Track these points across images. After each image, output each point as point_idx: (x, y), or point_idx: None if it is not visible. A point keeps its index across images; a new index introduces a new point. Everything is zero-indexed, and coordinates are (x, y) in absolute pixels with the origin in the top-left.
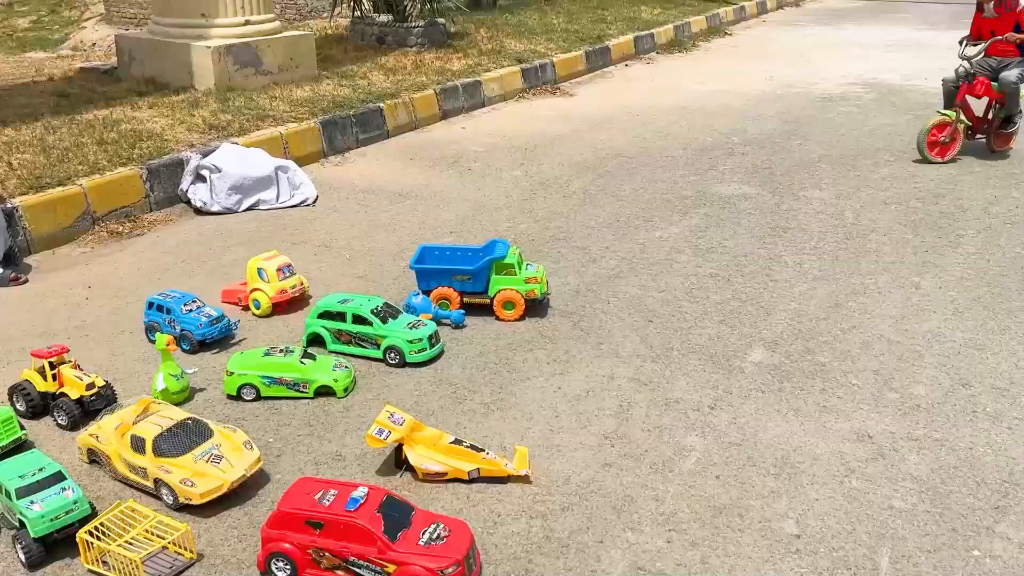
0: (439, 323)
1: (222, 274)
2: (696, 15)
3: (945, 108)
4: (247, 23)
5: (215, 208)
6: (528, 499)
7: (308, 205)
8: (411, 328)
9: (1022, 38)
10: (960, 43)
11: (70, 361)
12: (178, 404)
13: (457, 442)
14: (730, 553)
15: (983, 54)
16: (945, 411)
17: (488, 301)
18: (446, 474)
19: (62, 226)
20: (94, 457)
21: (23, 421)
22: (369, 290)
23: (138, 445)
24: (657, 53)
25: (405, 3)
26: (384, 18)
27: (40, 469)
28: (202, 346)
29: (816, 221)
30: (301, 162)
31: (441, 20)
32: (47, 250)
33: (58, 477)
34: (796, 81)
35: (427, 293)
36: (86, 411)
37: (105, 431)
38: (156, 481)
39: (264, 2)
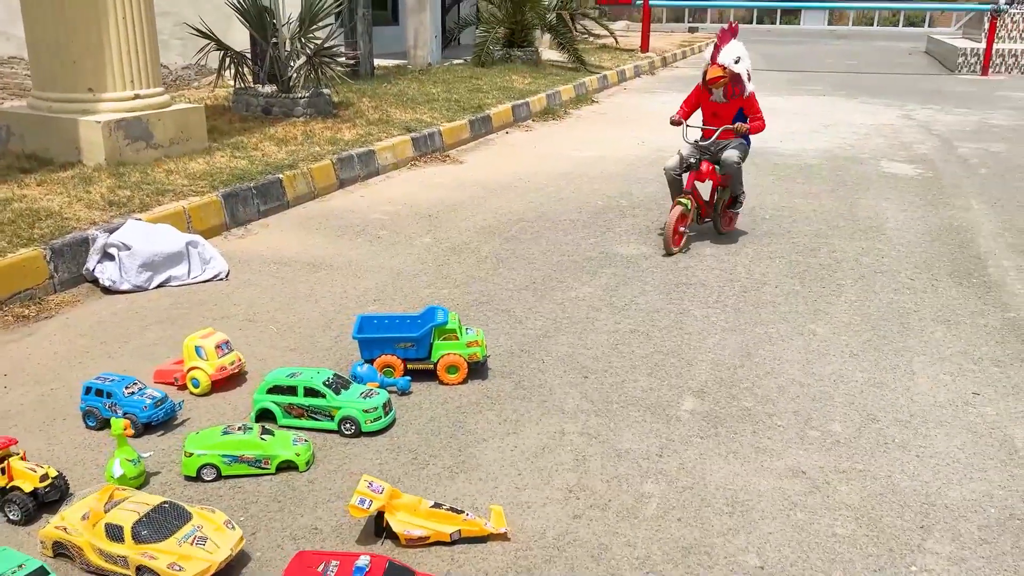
0: (386, 389)
1: (146, 354)
2: (564, 84)
3: (673, 196)
4: (136, 97)
5: (124, 287)
6: (510, 555)
7: (221, 279)
8: (364, 398)
9: (748, 128)
10: (673, 123)
11: (18, 453)
12: (137, 489)
13: (437, 506)
14: None
15: (702, 137)
16: (861, 444)
17: (432, 366)
18: (428, 538)
19: None
20: (60, 550)
21: None
22: (303, 363)
23: (115, 533)
24: (532, 120)
25: (290, 74)
26: (268, 88)
27: (20, 566)
28: (147, 429)
29: (713, 276)
30: (204, 236)
31: (326, 90)
32: None
33: (42, 572)
34: (665, 145)
35: (370, 362)
36: (40, 503)
37: (72, 521)
38: (139, 569)
39: (152, 76)
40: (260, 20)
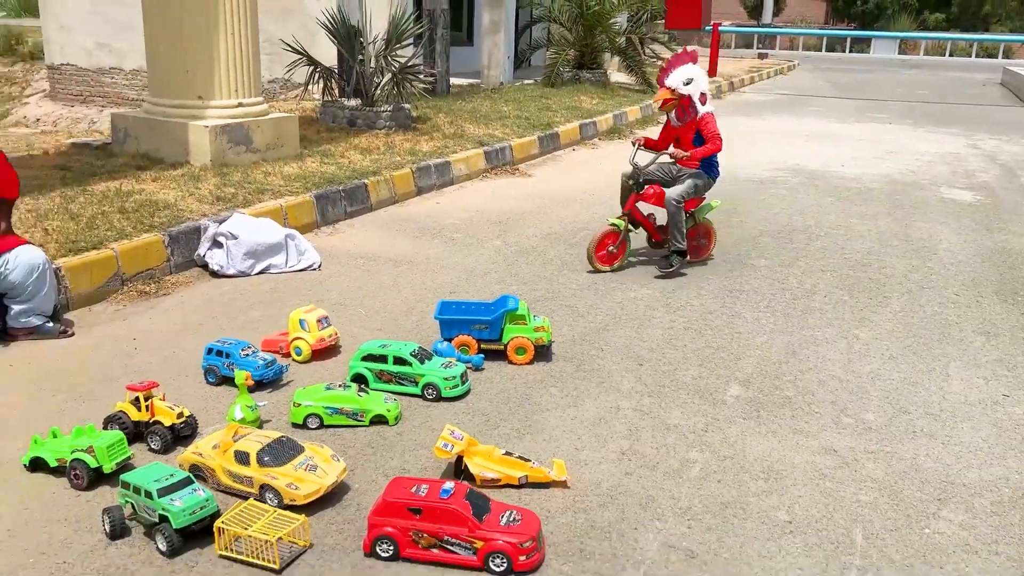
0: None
1: (252, 328)
2: (631, 104)
3: (622, 203)
4: (240, 105)
5: (230, 271)
6: (569, 499)
7: (314, 269)
8: (445, 367)
9: (685, 156)
10: (633, 145)
11: (159, 394)
12: None
13: (508, 454)
14: (739, 534)
15: (674, 161)
16: (891, 431)
17: (502, 347)
18: (500, 480)
19: (96, 286)
20: (196, 472)
21: None
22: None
23: (242, 458)
24: (599, 139)
25: (374, 90)
26: (353, 102)
27: (171, 475)
28: (258, 386)
29: (765, 284)
30: (298, 231)
31: (407, 105)
32: (84, 307)
33: (187, 481)
34: (729, 166)
35: (449, 340)
36: (177, 437)
37: (206, 449)
38: (262, 487)
39: (254, 87)
40: (349, 39)
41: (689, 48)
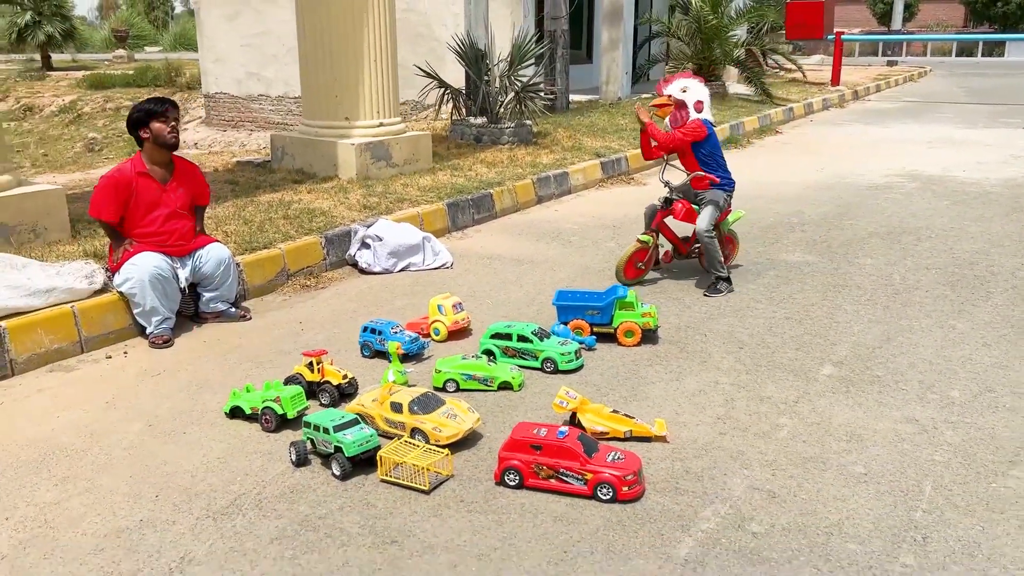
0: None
1: (397, 314)
2: (748, 115)
3: (646, 226)
4: (381, 125)
5: (376, 269)
6: (668, 450)
7: (447, 268)
8: (562, 344)
9: (699, 175)
10: (663, 164)
11: (329, 360)
12: None
13: (615, 411)
14: (817, 481)
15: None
16: (974, 406)
17: (612, 331)
18: (608, 433)
19: (267, 279)
20: (360, 420)
21: None
22: None
23: (396, 407)
24: None
25: (498, 108)
26: (479, 120)
27: (342, 416)
28: (403, 359)
29: (868, 281)
30: (434, 235)
31: (528, 121)
32: (257, 297)
33: (356, 421)
34: (845, 173)
35: (564, 324)
36: (342, 394)
37: (367, 402)
38: (412, 430)
39: (393, 108)
40: (476, 61)
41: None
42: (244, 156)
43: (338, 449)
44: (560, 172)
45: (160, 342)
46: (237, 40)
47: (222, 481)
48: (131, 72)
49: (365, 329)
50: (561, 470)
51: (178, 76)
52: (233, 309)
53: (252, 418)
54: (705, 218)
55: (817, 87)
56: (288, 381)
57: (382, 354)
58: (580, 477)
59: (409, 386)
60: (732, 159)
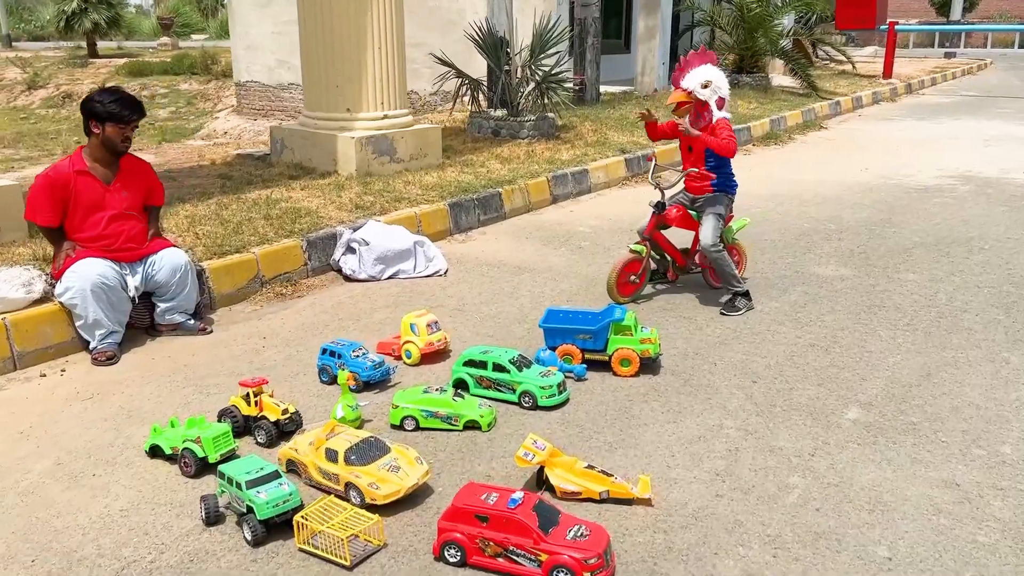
0: (565, 375)
1: (373, 330)
2: (791, 109)
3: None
4: (385, 117)
5: (362, 276)
6: (651, 518)
7: (440, 275)
8: (543, 376)
9: (695, 133)
10: (651, 164)
11: (269, 391)
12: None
13: (590, 467)
14: (828, 568)
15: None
16: None
17: (607, 358)
18: (580, 494)
19: (237, 287)
20: (291, 467)
21: None
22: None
23: (331, 456)
24: (753, 145)
25: (519, 100)
26: (499, 112)
27: (261, 468)
28: (366, 386)
29: (910, 301)
30: (431, 238)
31: (551, 114)
32: (225, 307)
33: (275, 475)
34: (891, 173)
35: (553, 349)
36: (280, 432)
37: (302, 446)
38: (347, 485)
39: (400, 99)
40: (495, 49)
41: (702, 47)
42: (246, 148)
43: (250, 509)
44: (579, 169)
45: (103, 358)
46: (269, 27)
47: (114, 543)
48: (168, 60)
49: (324, 351)
50: (511, 547)
51: (214, 64)
52: (191, 321)
53: (173, 459)
54: (709, 231)
55: (868, 80)
56: (221, 414)
57: None
58: (533, 558)
59: (362, 425)
60: (768, 156)
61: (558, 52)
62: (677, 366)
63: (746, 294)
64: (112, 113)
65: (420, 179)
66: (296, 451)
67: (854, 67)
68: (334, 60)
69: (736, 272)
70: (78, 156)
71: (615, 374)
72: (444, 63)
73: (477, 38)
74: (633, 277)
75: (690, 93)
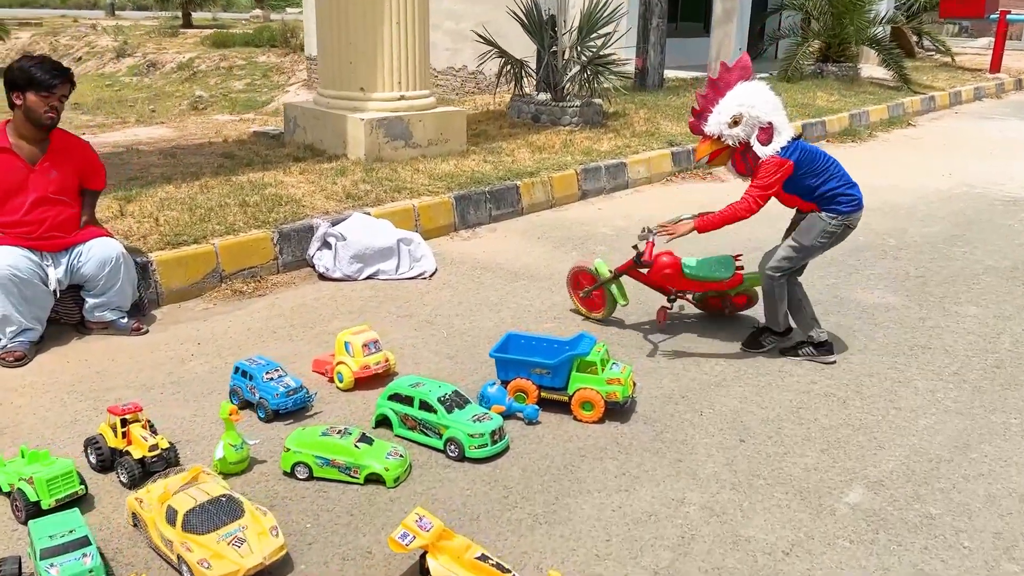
0: (512, 416)
1: (322, 341)
2: (876, 104)
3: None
4: (402, 98)
5: (336, 275)
6: None
7: (424, 278)
8: (475, 421)
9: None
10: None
11: (141, 420)
12: (236, 474)
13: (483, 558)
14: None
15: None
16: None
17: (566, 399)
18: None
19: (192, 281)
20: (136, 521)
21: (94, 474)
22: (455, 372)
23: (171, 517)
24: (827, 142)
25: (564, 83)
26: (543, 96)
27: (71, 531)
28: (277, 416)
29: (964, 343)
30: (431, 235)
31: (598, 100)
32: (174, 303)
33: (83, 542)
34: (979, 180)
35: (505, 384)
36: (146, 472)
37: (150, 497)
38: (178, 557)
39: (421, 78)
40: (540, 28)
41: (731, 63)
42: (263, 126)
43: None
44: (615, 163)
45: (10, 359)
46: None
47: None
48: (250, 32)
49: (236, 370)
50: None
51: (292, 37)
52: (124, 320)
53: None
54: (778, 255)
55: (971, 74)
56: (87, 444)
57: (253, 405)
58: None
59: (250, 467)
60: (841, 155)
61: (608, 33)
62: (654, 412)
63: (785, 333)
64: (33, 79)
65: (434, 167)
66: (141, 503)
67: (953, 60)
68: (348, 34)
69: (782, 312)
70: (1, 130)
71: (575, 418)
72: (485, 41)
73: (521, 15)
74: (587, 290)
75: (718, 138)
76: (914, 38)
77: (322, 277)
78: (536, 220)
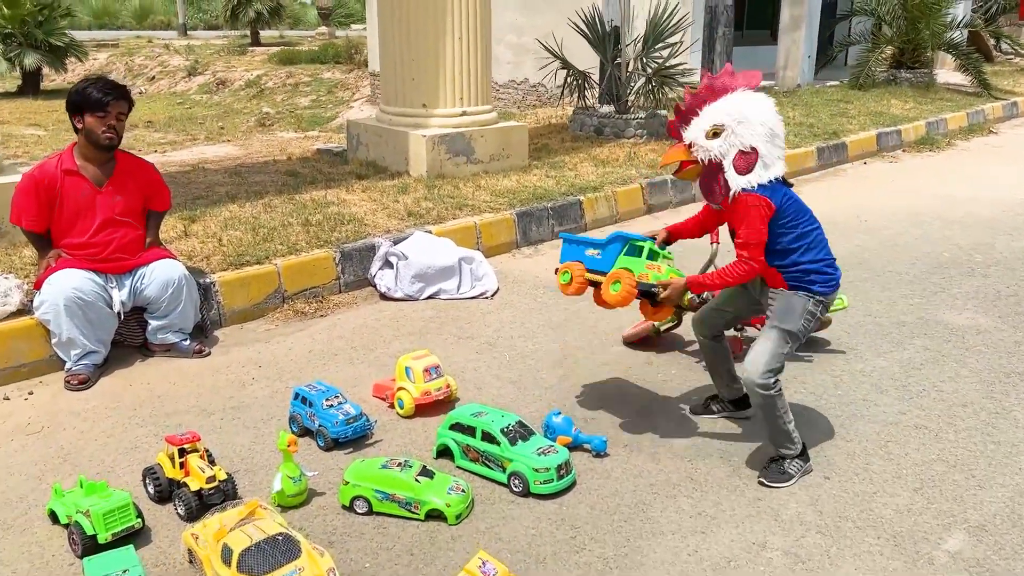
0: (579, 448)
1: (383, 364)
2: (954, 111)
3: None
4: (464, 114)
5: (397, 295)
6: None
7: (486, 298)
8: (540, 454)
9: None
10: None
11: (199, 450)
12: (294, 507)
13: None
14: None
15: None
16: None
17: (603, 278)
18: None
19: (253, 302)
20: (192, 558)
21: (152, 505)
22: (518, 398)
23: (226, 556)
24: (903, 151)
25: (628, 95)
26: (606, 109)
27: (124, 571)
28: (337, 444)
29: None
30: (493, 252)
31: (663, 111)
32: (236, 324)
33: None
34: None
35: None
36: (204, 504)
37: (206, 533)
38: None
39: (482, 93)
40: (603, 39)
41: (734, 71)
42: (326, 144)
43: None
44: None
45: (75, 382)
46: None
47: None
48: (316, 49)
49: (296, 396)
50: None
51: (356, 53)
52: (187, 342)
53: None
54: (759, 355)
55: None
56: (145, 474)
57: (313, 433)
58: None
59: (309, 499)
60: (918, 164)
61: (674, 44)
62: (730, 446)
63: (802, 456)
64: (88, 100)
65: (496, 183)
66: (197, 540)
67: None
68: (410, 51)
69: (791, 429)
70: (68, 154)
71: (600, 304)
72: (549, 51)
73: (583, 26)
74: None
75: (692, 147)
76: (992, 41)
77: (383, 297)
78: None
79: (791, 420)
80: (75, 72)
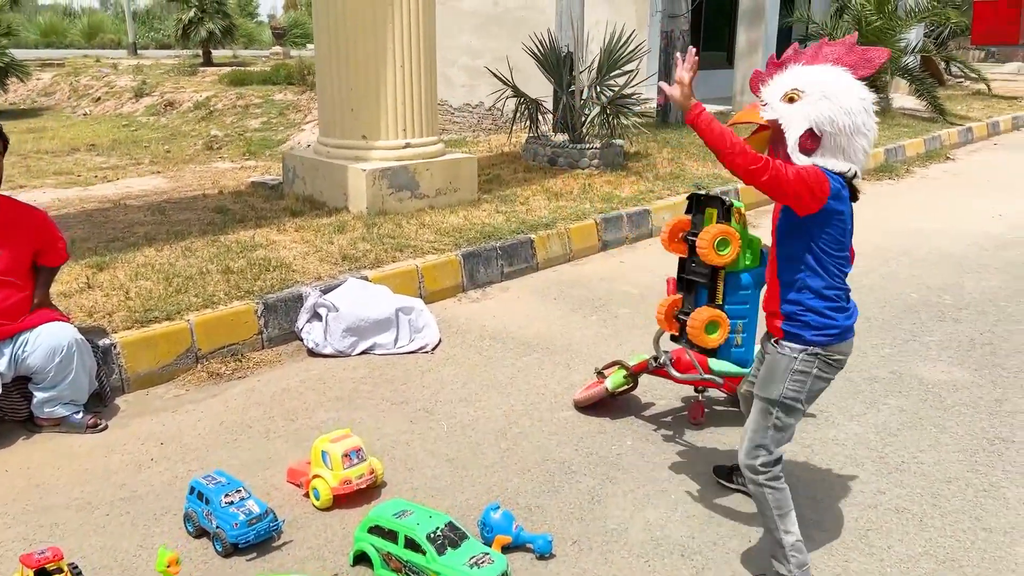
0: (520, 548)
1: (303, 438)
2: (912, 136)
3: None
4: (407, 146)
5: (327, 351)
6: None
7: (426, 352)
8: (473, 566)
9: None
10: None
11: (64, 571)
12: None
13: None
14: None
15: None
16: None
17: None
18: None
19: (162, 364)
20: None
21: None
22: (453, 483)
23: None
24: (863, 179)
25: (582, 124)
26: (560, 138)
27: None
28: (236, 550)
29: None
30: (436, 297)
31: (619, 141)
32: (142, 389)
33: None
34: None
35: (498, 519)
36: None
37: None
38: None
39: (427, 124)
40: (557, 66)
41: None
42: (263, 176)
43: None
44: (639, 210)
45: None
46: None
47: None
48: (267, 69)
49: (192, 491)
50: None
51: (309, 75)
52: (79, 415)
53: None
54: (749, 434)
55: (1007, 102)
56: None
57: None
58: None
59: None
60: (879, 194)
61: (630, 71)
62: (691, 542)
63: (796, 545)
64: None
65: (442, 220)
66: None
67: (988, 87)
68: (349, 79)
69: (786, 542)
70: None
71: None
72: (499, 79)
73: (538, 53)
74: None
75: (763, 106)
76: (942, 65)
77: (311, 353)
78: (553, 277)
79: (791, 532)
80: (17, 93)
